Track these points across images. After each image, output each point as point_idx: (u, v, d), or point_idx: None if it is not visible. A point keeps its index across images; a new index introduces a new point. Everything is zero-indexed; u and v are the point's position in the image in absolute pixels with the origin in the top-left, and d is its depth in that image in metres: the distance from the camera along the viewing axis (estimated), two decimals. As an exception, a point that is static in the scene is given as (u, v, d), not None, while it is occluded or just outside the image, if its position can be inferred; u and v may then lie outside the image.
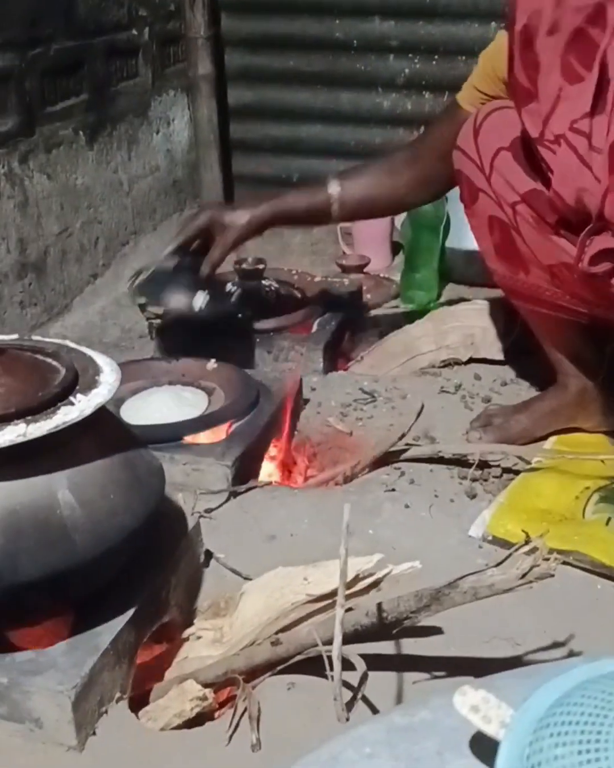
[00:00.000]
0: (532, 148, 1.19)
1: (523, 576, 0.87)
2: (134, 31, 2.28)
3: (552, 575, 0.86)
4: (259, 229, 1.50)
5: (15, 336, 1.05)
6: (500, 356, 1.70)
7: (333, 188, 1.48)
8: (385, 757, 0.46)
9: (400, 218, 2.11)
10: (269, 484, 1.37)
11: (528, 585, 0.88)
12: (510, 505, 1.24)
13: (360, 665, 0.88)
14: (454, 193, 1.99)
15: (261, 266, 1.80)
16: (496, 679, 0.51)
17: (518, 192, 1.25)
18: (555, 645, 1.04)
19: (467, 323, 1.72)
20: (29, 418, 0.87)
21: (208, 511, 1.26)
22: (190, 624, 1.06)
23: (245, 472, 1.34)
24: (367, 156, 2.61)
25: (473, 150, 1.30)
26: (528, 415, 1.44)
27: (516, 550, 0.90)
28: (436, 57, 2.49)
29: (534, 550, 0.89)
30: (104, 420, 0.97)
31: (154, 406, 1.43)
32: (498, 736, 0.44)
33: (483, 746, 0.47)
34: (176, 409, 1.43)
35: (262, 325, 1.71)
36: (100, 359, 1.01)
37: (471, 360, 1.69)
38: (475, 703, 0.45)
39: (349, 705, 0.86)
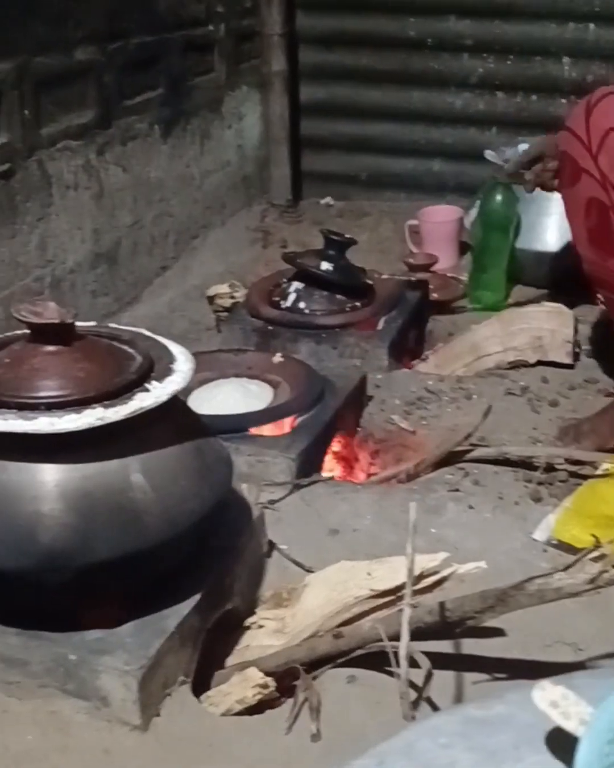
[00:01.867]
0: None
1: (592, 581, 0.86)
2: (210, 27, 2.30)
3: (622, 581, 0.85)
4: None
5: (93, 323, 1.07)
6: (568, 360, 1.67)
7: None
8: (460, 748, 0.46)
9: (470, 218, 2.10)
10: (332, 478, 1.37)
11: (596, 591, 0.87)
12: (576, 510, 1.23)
13: (425, 664, 0.89)
14: (525, 192, 1.98)
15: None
16: (573, 678, 0.51)
17: None
18: (619, 652, 1.03)
19: (535, 325, 1.71)
20: (107, 402, 0.89)
21: (271, 502, 1.27)
22: (252, 613, 1.07)
23: (308, 465, 1.35)
24: (438, 155, 2.62)
25: (583, 130, 1.32)
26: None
27: (586, 554, 0.89)
28: (511, 57, 2.47)
29: (601, 556, 0.88)
30: (177, 408, 0.99)
31: (221, 398, 1.45)
32: (577, 733, 0.44)
33: (560, 743, 0.47)
34: (242, 401, 1.44)
35: (327, 321, 1.72)
36: (175, 348, 1.02)
37: (538, 362, 1.67)
38: (555, 699, 0.45)
39: (414, 703, 0.86)
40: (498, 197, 1.94)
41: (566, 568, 0.89)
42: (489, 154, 2.14)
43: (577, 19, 2.38)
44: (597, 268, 1.37)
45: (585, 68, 2.41)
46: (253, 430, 1.37)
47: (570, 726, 0.44)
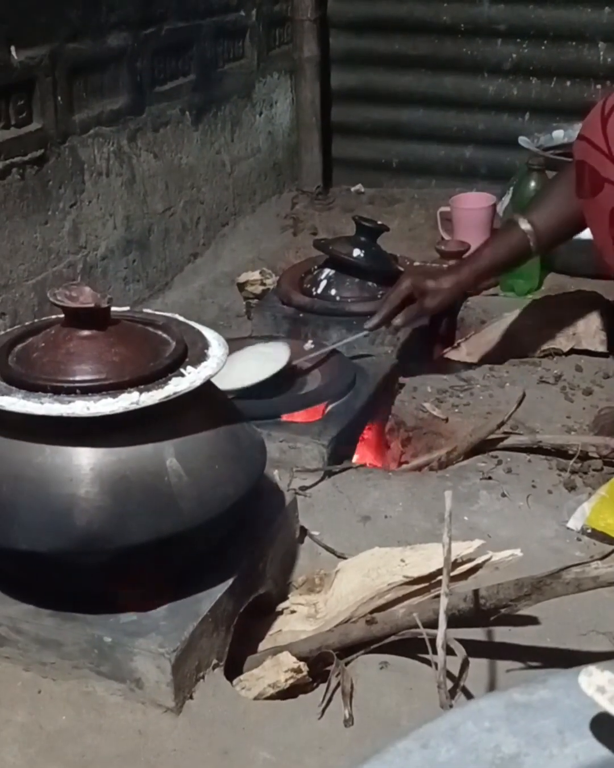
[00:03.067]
0: None
1: (630, 569, 0.85)
2: (242, 13, 2.29)
3: (661, 570, 0.84)
4: (461, 293, 1.55)
5: (127, 308, 1.07)
6: (602, 348, 1.65)
7: (525, 225, 1.48)
8: (504, 732, 0.46)
9: (503, 205, 2.08)
10: (364, 465, 1.37)
11: (633, 579, 0.86)
12: (611, 499, 1.21)
13: (461, 652, 0.88)
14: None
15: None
16: (617, 665, 0.50)
17: None
18: (656, 642, 1.02)
19: (569, 314, 1.69)
20: (142, 386, 0.90)
21: (303, 488, 1.27)
22: (285, 598, 1.07)
23: (340, 452, 1.35)
24: (470, 142, 2.59)
25: (600, 138, 1.27)
26: None
27: (624, 542, 0.88)
28: (545, 42, 2.43)
29: (639, 544, 0.87)
30: (211, 393, 0.99)
31: (238, 369, 1.38)
32: (625, 719, 0.44)
33: (606, 728, 0.46)
34: (259, 367, 1.41)
35: (359, 308, 1.71)
36: (209, 333, 1.02)
37: (572, 351, 1.66)
38: (602, 684, 0.45)
39: (451, 692, 0.86)
40: (532, 184, 1.92)
41: (603, 556, 0.89)
42: (523, 140, 2.13)
43: (613, 4, 2.34)
44: None
45: (622, 53, 2.37)
46: (285, 417, 1.37)
47: (617, 712, 0.44)
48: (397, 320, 1.50)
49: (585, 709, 0.47)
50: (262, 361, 1.43)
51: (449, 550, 0.85)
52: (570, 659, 1.01)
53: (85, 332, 0.93)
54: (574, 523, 1.20)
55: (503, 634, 1.02)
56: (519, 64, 2.47)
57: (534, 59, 2.45)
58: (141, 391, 0.89)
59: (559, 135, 2.19)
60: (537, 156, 2.00)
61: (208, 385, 0.95)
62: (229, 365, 1.43)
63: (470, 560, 0.96)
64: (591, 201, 1.33)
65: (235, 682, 0.98)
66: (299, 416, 1.38)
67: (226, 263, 2.18)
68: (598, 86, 2.40)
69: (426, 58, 2.53)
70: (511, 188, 2.01)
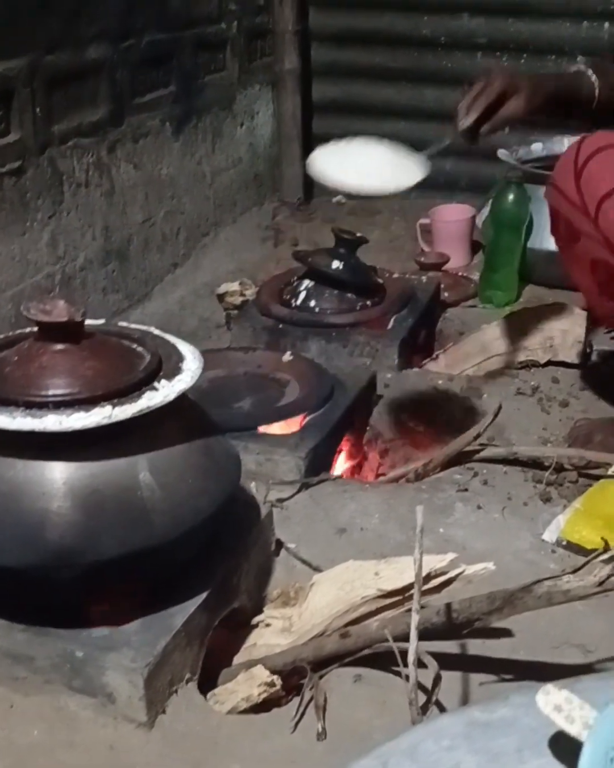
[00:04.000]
0: None
1: (601, 584, 0.86)
2: (223, 25, 2.30)
3: (631, 583, 0.84)
4: (546, 103, 1.26)
5: (102, 321, 1.07)
6: (578, 360, 1.67)
7: (592, 76, 1.27)
8: (464, 750, 0.46)
9: (482, 217, 2.09)
10: (340, 477, 1.37)
11: (605, 593, 0.87)
12: (586, 511, 1.22)
13: (433, 666, 0.88)
14: (538, 192, 1.97)
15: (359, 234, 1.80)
16: (577, 682, 0.50)
17: None
18: (628, 654, 1.02)
19: (546, 325, 1.70)
20: (115, 400, 0.90)
21: (280, 501, 1.27)
22: (259, 612, 1.07)
23: (317, 464, 1.35)
24: (450, 154, 2.59)
25: (573, 191, 1.26)
26: None
27: (596, 557, 0.89)
28: (525, 55, 2.46)
29: (611, 558, 0.88)
30: (185, 406, 0.99)
31: (365, 159, 1.24)
32: (581, 736, 0.44)
33: (563, 747, 0.47)
34: (391, 163, 1.24)
35: (338, 319, 1.72)
36: (184, 347, 1.02)
37: (549, 363, 1.67)
38: (558, 703, 0.45)
39: (424, 706, 0.86)
40: (510, 196, 1.94)
41: (575, 570, 0.89)
42: (502, 153, 2.14)
43: (591, 18, 2.37)
44: None
45: (599, 67, 2.40)
46: (262, 429, 1.37)
47: (573, 730, 0.44)
48: (486, 127, 1.23)
49: (544, 728, 0.47)
50: (395, 165, 1.24)
51: (420, 566, 0.85)
52: (543, 672, 1.01)
53: (59, 346, 0.93)
54: (549, 535, 1.21)
55: (476, 646, 1.02)
56: (498, 78, 2.49)
57: (513, 72, 2.47)
58: (114, 405, 0.89)
59: (538, 148, 2.21)
60: (515, 168, 2.01)
61: (182, 399, 0.95)
62: (351, 159, 1.21)
63: (443, 573, 0.96)
64: (569, 249, 1.32)
65: (208, 696, 0.98)
66: (276, 428, 1.38)
67: (206, 274, 2.18)
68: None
69: (406, 71, 2.55)
70: (490, 200, 2.03)
